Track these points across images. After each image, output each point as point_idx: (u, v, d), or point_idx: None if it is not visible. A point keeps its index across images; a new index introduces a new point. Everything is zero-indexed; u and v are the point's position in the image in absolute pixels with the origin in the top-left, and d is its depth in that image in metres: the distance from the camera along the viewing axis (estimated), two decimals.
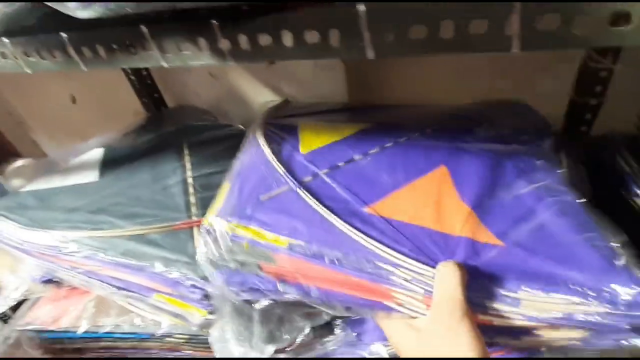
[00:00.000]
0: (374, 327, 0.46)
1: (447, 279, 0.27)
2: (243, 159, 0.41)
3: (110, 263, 0.43)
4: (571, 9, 0.19)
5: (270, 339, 0.34)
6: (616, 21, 0.19)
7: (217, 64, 0.29)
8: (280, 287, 0.31)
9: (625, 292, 0.27)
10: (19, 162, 1.16)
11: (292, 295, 0.31)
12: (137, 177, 0.57)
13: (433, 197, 0.33)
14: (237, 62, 0.29)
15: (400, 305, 0.30)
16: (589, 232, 0.31)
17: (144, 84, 0.79)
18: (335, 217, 0.32)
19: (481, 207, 0.33)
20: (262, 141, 0.40)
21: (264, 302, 0.34)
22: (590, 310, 0.28)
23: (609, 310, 0.27)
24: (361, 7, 0.23)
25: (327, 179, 0.35)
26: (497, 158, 0.37)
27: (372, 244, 0.30)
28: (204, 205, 0.51)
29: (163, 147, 0.63)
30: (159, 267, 0.40)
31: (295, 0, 0.24)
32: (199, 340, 0.51)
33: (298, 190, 0.34)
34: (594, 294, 0.28)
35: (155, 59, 0.31)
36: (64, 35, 0.33)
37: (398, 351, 0.30)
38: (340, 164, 0.37)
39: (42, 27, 0.34)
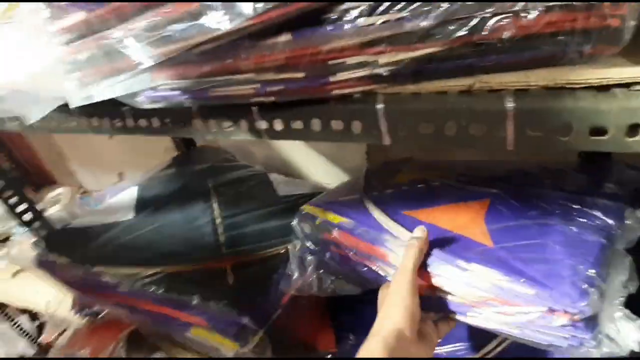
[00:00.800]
0: None
1: (407, 251, 0.37)
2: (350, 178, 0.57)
3: (152, 298, 0.47)
4: (557, 122, 0.23)
5: (324, 290, 0.46)
6: (595, 132, 0.23)
7: (253, 140, 0.34)
8: (328, 253, 0.45)
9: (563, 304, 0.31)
10: (57, 190, 1.25)
11: (334, 261, 0.45)
12: (170, 216, 0.62)
13: (463, 212, 0.43)
14: (270, 139, 0.33)
15: (387, 263, 0.41)
16: (582, 263, 0.34)
17: None
18: (377, 210, 0.44)
19: (496, 223, 0.41)
20: (365, 170, 0.57)
21: (321, 259, 0.46)
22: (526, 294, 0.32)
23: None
24: (379, 106, 0.28)
25: (390, 194, 0.48)
26: (542, 203, 0.41)
27: (389, 225, 0.42)
28: (231, 245, 0.56)
29: (191, 188, 0.69)
30: (197, 302, 0.44)
31: (324, 97, 0.29)
32: None
33: (363, 196, 0.48)
34: (541, 291, 0.32)
35: (201, 132, 0.36)
36: (125, 108, 0.38)
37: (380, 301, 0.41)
38: (405, 188, 0.50)
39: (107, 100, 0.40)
